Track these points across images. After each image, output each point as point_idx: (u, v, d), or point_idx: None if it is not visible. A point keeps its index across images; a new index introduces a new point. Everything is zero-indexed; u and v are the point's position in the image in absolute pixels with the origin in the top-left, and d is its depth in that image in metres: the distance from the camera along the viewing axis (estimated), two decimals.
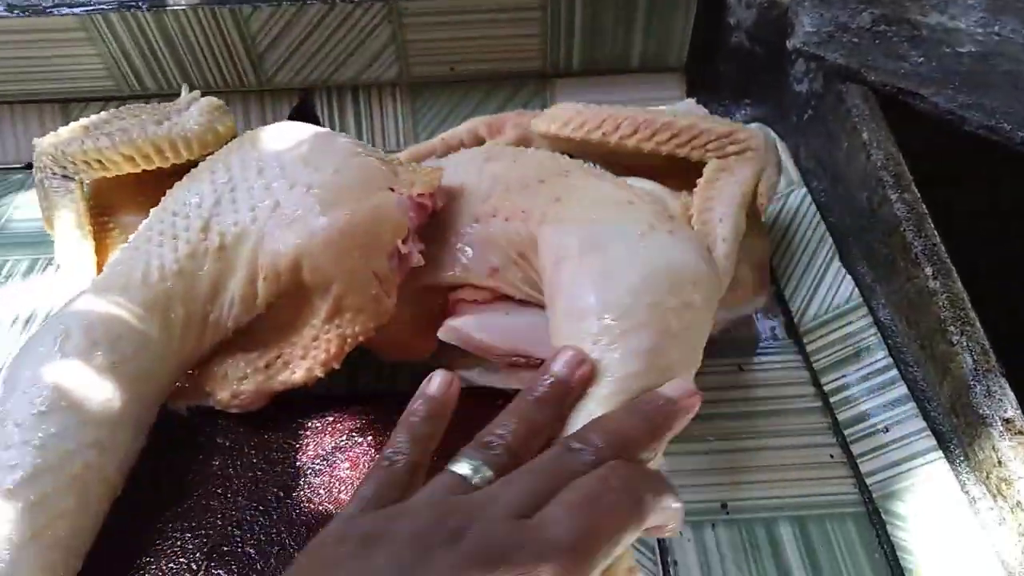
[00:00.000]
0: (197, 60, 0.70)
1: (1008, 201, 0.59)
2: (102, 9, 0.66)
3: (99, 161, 0.52)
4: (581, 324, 0.38)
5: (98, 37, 0.68)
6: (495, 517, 0.28)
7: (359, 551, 0.28)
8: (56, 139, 0.54)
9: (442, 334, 0.47)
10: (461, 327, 0.46)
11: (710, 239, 0.46)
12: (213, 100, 0.55)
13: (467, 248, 0.46)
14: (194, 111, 0.54)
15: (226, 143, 0.52)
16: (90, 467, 0.39)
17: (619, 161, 0.51)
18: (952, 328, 0.43)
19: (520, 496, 0.29)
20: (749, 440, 0.49)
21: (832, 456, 0.48)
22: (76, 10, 0.66)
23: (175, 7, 0.66)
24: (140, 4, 0.66)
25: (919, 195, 0.49)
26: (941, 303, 0.44)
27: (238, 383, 0.45)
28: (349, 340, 0.44)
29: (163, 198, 0.48)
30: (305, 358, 0.45)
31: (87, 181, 0.54)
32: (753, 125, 0.54)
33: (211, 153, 0.51)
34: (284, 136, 0.48)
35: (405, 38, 0.68)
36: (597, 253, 0.40)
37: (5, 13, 0.66)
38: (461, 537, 0.27)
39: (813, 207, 0.59)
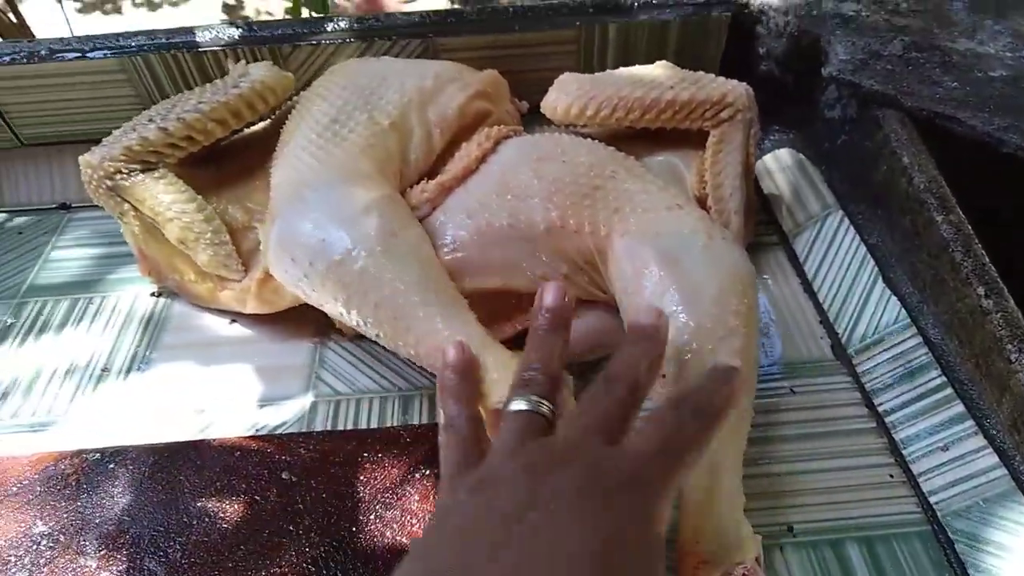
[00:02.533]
0: None
1: None
2: (143, 51, 0.67)
3: (188, 137, 0.56)
4: (677, 333, 0.45)
5: (136, 78, 0.69)
6: (591, 448, 0.32)
7: (465, 505, 0.32)
8: (108, 149, 0.56)
9: None
10: None
11: (724, 215, 0.57)
12: (265, 62, 0.63)
13: (541, 256, 0.52)
14: (259, 70, 0.60)
15: (293, 90, 0.62)
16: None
17: (630, 126, 0.59)
18: (1010, 347, 0.44)
19: (600, 421, 0.34)
20: (808, 462, 0.49)
21: (892, 476, 0.48)
22: (118, 52, 0.67)
23: (214, 47, 0.67)
24: (180, 46, 0.67)
25: (963, 216, 0.50)
26: (996, 322, 0.45)
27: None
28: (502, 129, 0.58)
29: (288, 129, 0.58)
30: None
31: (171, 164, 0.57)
32: (736, 84, 0.57)
33: (285, 101, 0.62)
34: (376, 60, 0.63)
35: None
36: (674, 268, 0.48)
37: (46, 56, 0.67)
38: (570, 463, 0.31)
39: (852, 230, 0.60)
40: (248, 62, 0.67)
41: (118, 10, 2.66)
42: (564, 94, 0.58)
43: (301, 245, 0.49)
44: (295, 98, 0.64)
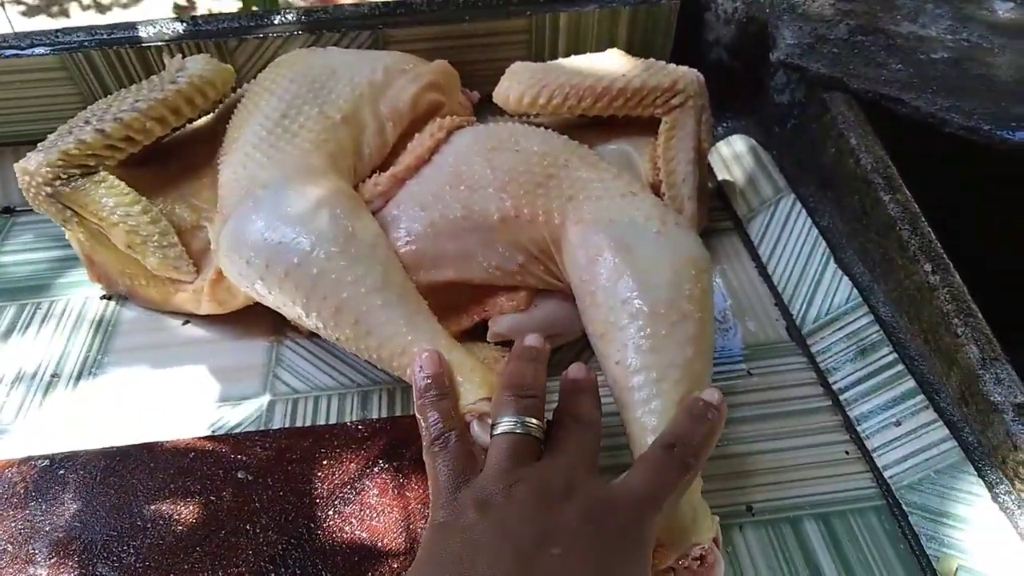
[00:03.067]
0: None
1: (991, 198, 0.62)
2: (83, 47, 0.65)
3: (127, 138, 0.55)
4: (630, 319, 0.46)
5: (78, 76, 0.67)
6: (587, 480, 0.36)
7: (474, 528, 0.34)
8: (45, 154, 0.53)
9: (491, 337, 0.55)
10: (504, 332, 0.54)
11: (678, 201, 0.58)
12: (203, 54, 0.61)
13: (496, 247, 0.52)
14: (197, 63, 0.59)
15: (233, 82, 0.61)
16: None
17: (583, 114, 0.59)
18: (956, 320, 0.45)
19: (580, 457, 0.38)
20: (766, 442, 0.50)
21: (847, 452, 0.49)
22: (58, 48, 0.65)
23: (158, 42, 0.65)
24: (122, 41, 0.65)
25: (910, 195, 0.51)
26: (942, 297, 0.46)
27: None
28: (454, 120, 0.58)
29: (234, 124, 0.57)
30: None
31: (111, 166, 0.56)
32: (687, 71, 0.58)
33: (227, 94, 0.61)
34: (323, 51, 0.62)
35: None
36: (627, 254, 0.48)
37: None
38: (572, 496, 0.35)
39: (803, 212, 0.61)
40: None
41: (65, 13, 2.59)
42: (516, 83, 0.58)
43: (255, 247, 0.48)
44: (240, 90, 0.63)
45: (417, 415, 0.42)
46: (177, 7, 2.62)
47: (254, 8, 1.51)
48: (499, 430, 0.39)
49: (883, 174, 0.52)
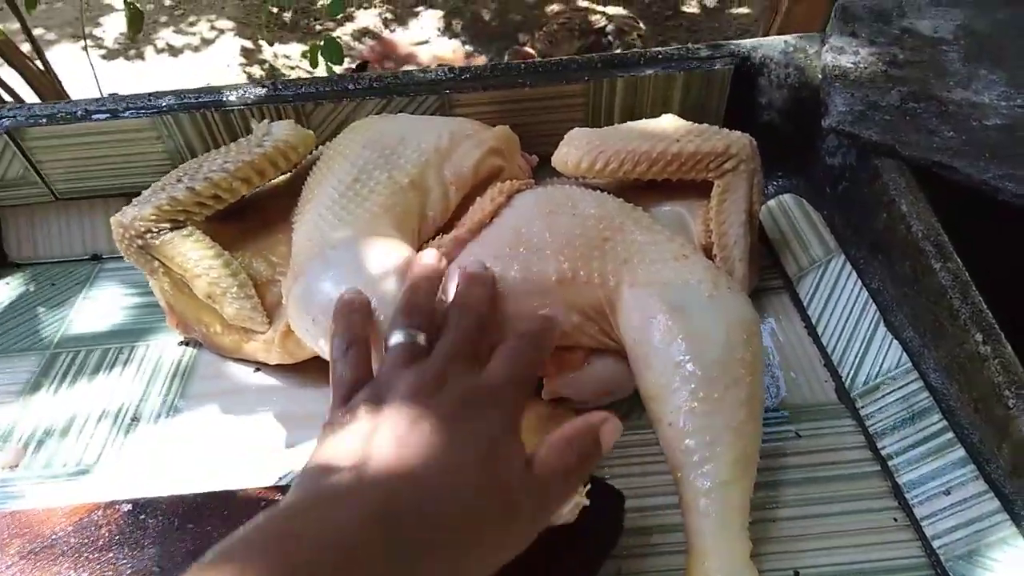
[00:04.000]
0: None
1: None
2: (173, 110, 0.70)
3: (215, 196, 0.59)
4: (682, 382, 0.48)
5: (167, 135, 0.72)
6: (459, 372, 0.41)
7: (364, 424, 0.38)
8: (140, 208, 0.58)
9: (546, 395, 0.56)
10: (559, 390, 0.56)
11: (729, 263, 0.59)
12: (287, 120, 0.66)
13: (551, 307, 0.54)
14: (281, 128, 0.64)
15: (314, 146, 0.66)
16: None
17: (638, 178, 0.61)
18: (1007, 392, 0.45)
19: (460, 349, 0.43)
20: (814, 506, 0.51)
21: (896, 520, 0.50)
22: (150, 112, 0.71)
23: (240, 106, 0.70)
24: (208, 105, 0.70)
25: (961, 264, 0.52)
26: (993, 367, 0.46)
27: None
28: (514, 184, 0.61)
29: (310, 185, 0.62)
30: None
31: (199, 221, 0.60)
32: (739, 136, 0.60)
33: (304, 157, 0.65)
34: (393, 118, 0.67)
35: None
36: (680, 317, 0.50)
37: (81, 116, 0.71)
38: (444, 386, 0.40)
39: (854, 274, 0.62)
40: (272, 119, 0.70)
41: (141, 56, 2.75)
42: (574, 148, 0.61)
43: (321, 307, 0.51)
44: (316, 151, 0.67)
45: (330, 332, 0.48)
46: (244, 50, 2.74)
47: (320, 59, 1.59)
48: (390, 343, 0.44)
49: (934, 242, 0.53)
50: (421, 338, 0.44)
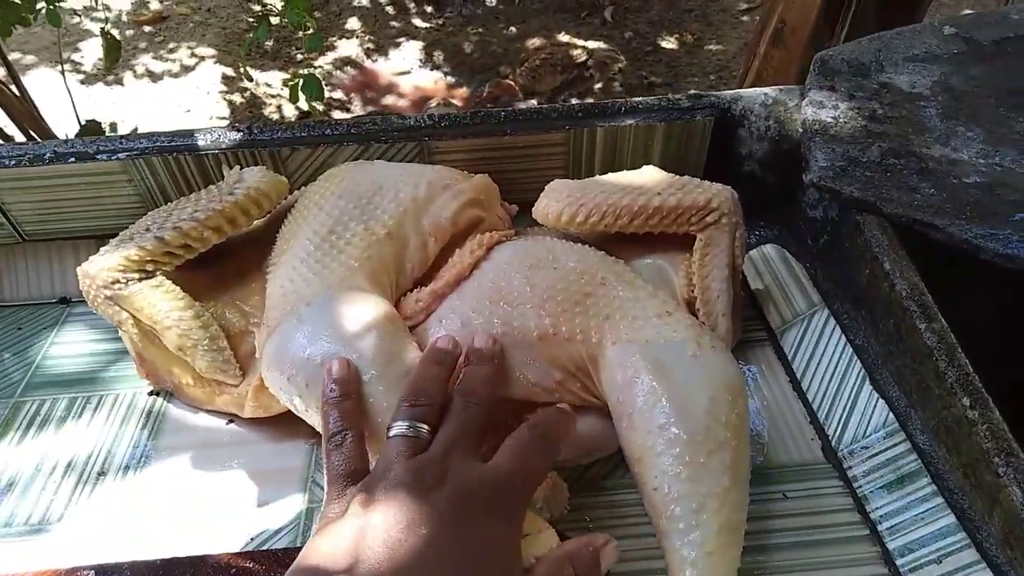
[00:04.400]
0: None
1: None
2: (144, 153, 0.69)
3: (185, 245, 0.58)
4: (667, 445, 0.47)
5: (138, 179, 0.70)
6: (460, 467, 0.40)
7: (356, 521, 0.37)
8: (107, 259, 0.57)
9: None
10: None
11: (712, 318, 0.58)
12: (259, 167, 0.64)
13: (534, 364, 0.53)
14: (253, 175, 0.62)
15: (287, 193, 0.65)
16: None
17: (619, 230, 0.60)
18: (997, 459, 0.45)
19: (461, 436, 0.42)
20: (804, 573, 0.49)
21: None
22: (121, 155, 0.69)
23: (214, 150, 0.69)
24: (181, 149, 0.69)
25: (946, 325, 0.51)
26: (982, 433, 0.46)
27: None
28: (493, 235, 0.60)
29: (284, 235, 0.60)
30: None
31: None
32: (721, 189, 0.59)
33: (277, 204, 0.64)
34: (370, 165, 0.65)
35: None
36: (664, 378, 0.49)
37: (50, 159, 0.69)
38: (443, 482, 0.38)
39: (838, 329, 0.61)
40: (244, 165, 0.69)
41: (120, 81, 2.72)
42: (554, 201, 0.60)
43: (296, 364, 0.49)
44: (291, 197, 0.66)
45: (320, 414, 0.46)
46: (225, 77, 2.73)
47: (300, 93, 1.58)
48: (391, 433, 0.42)
49: (918, 302, 0.53)
50: (424, 430, 0.43)
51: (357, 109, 2.55)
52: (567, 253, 0.57)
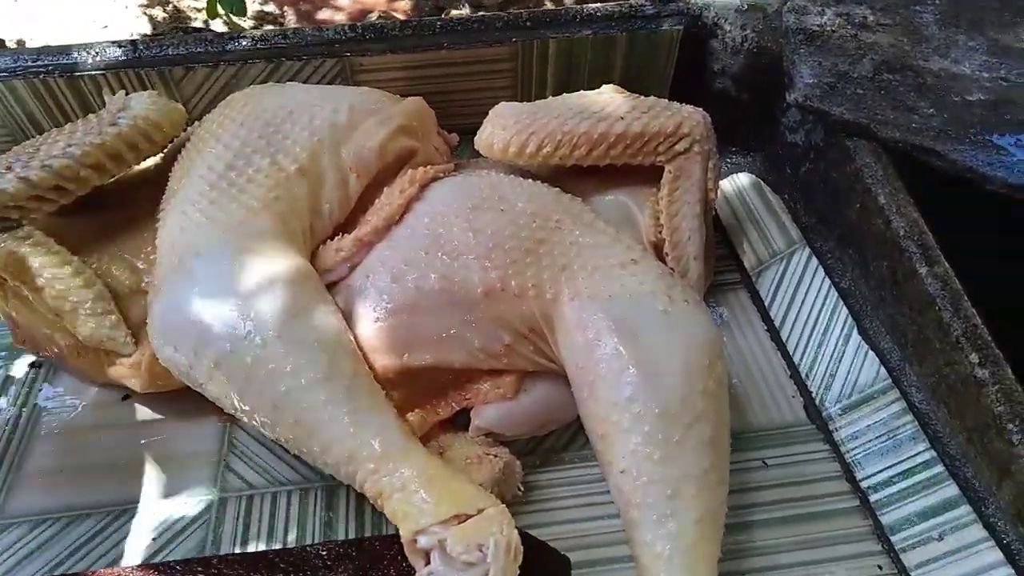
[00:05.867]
0: None
1: None
2: (7, 75, 0.57)
3: (57, 188, 0.47)
4: (635, 420, 0.40)
5: (1, 108, 0.59)
6: None
7: None
8: None
9: (473, 431, 0.47)
10: (489, 426, 0.47)
11: (682, 262, 0.51)
12: (149, 92, 0.53)
13: (479, 326, 0.45)
14: (141, 102, 0.51)
15: (185, 124, 0.53)
16: None
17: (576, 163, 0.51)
18: (1011, 426, 0.39)
19: None
20: (787, 554, 0.44)
21: (880, 568, 0.43)
22: None
23: (93, 71, 0.57)
24: (51, 70, 0.57)
25: (950, 269, 0.45)
26: (993, 396, 0.40)
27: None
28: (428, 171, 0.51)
29: (175, 175, 0.49)
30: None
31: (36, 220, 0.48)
32: (692, 111, 0.51)
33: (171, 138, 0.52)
34: (279, 88, 0.53)
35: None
36: (631, 340, 0.42)
37: None
38: None
39: (821, 271, 0.54)
40: (131, 91, 0.57)
41: None
42: (500, 128, 0.51)
43: (182, 330, 0.41)
44: (189, 129, 0.55)
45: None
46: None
47: (219, 12, 1.40)
48: None
49: (918, 241, 0.46)
50: None
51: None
52: (516, 191, 0.48)
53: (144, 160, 0.52)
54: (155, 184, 0.52)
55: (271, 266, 0.42)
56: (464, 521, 0.36)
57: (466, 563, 0.35)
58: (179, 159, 0.51)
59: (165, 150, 0.55)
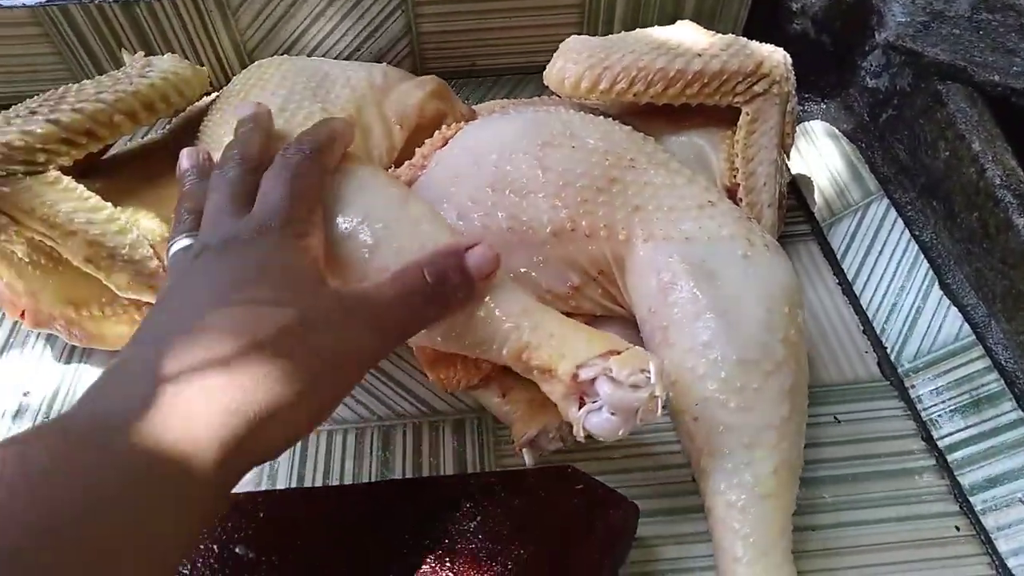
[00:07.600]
0: None
1: None
2: (58, 2, 0.56)
3: (89, 131, 0.44)
4: (711, 367, 0.39)
5: (56, 33, 0.57)
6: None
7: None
8: None
9: None
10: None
11: (756, 208, 0.49)
12: (171, 54, 0.50)
13: (546, 266, 0.43)
14: (166, 62, 0.48)
15: (207, 87, 0.50)
16: None
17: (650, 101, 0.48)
18: None
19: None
20: (858, 511, 0.42)
21: (958, 528, 0.41)
22: (28, 1, 0.55)
23: None
24: None
25: None
26: None
27: None
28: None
29: (211, 125, 0.48)
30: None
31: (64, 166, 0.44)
32: (773, 51, 0.49)
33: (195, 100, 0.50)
34: (307, 59, 0.52)
35: (419, 30, 0.59)
36: (709, 284, 0.40)
37: None
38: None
39: (900, 223, 0.52)
40: (186, 21, 0.56)
41: None
42: (572, 63, 0.48)
43: None
44: (208, 98, 0.53)
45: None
46: None
47: None
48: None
49: (1016, 191, 0.43)
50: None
51: None
52: (588, 128, 0.46)
53: (175, 113, 0.50)
54: (166, 153, 0.49)
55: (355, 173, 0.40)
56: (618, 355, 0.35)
57: (634, 385, 0.33)
58: (210, 114, 0.48)
59: (172, 125, 0.53)
